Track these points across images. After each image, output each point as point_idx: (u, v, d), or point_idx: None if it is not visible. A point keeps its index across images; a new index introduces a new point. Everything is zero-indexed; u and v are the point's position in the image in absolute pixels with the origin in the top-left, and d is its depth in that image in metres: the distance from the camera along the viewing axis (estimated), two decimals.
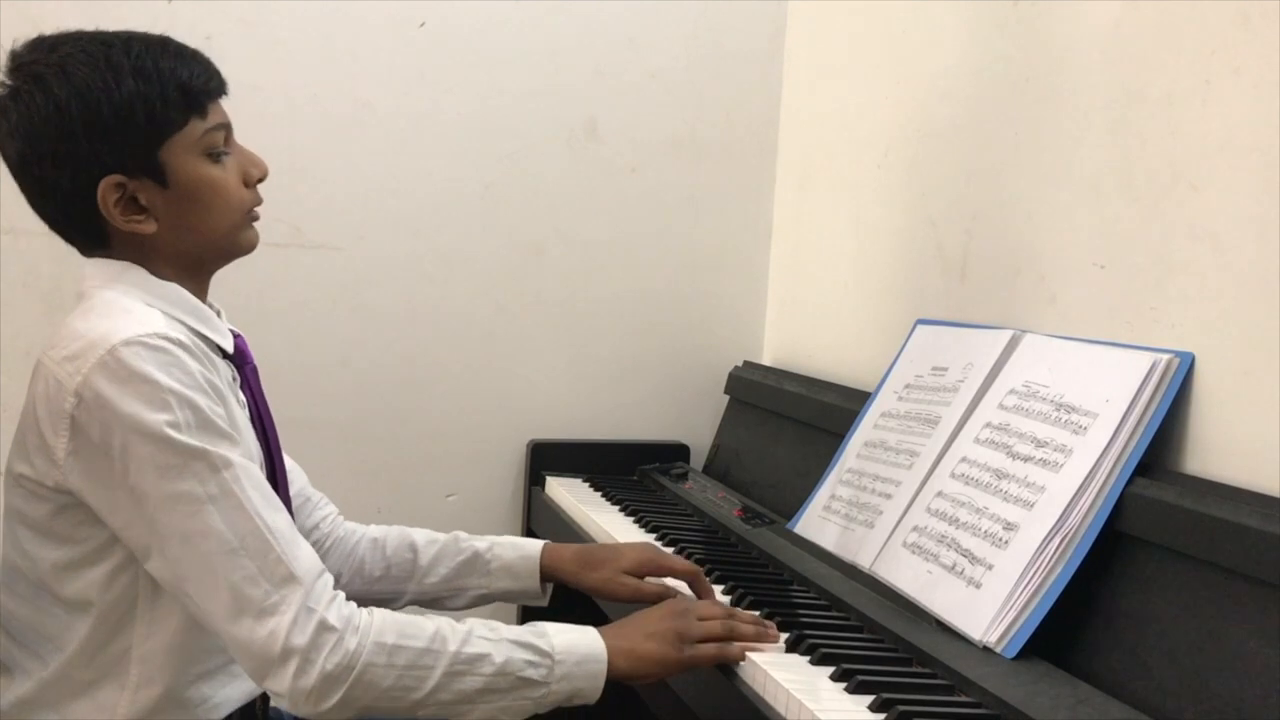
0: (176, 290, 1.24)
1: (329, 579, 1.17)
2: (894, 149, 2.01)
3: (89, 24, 2.15)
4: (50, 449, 1.15)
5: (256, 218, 1.30)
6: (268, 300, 2.16)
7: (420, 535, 1.53)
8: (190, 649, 1.22)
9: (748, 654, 1.30)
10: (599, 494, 2.14)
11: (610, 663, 1.22)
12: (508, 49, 2.27)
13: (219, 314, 1.31)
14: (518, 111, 2.29)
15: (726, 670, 1.31)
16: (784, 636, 1.35)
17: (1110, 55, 1.50)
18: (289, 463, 1.47)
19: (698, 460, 2.39)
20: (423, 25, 2.23)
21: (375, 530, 1.54)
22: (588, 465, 2.31)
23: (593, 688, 1.22)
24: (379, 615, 1.17)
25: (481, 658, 1.17)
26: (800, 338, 2.33)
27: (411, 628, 1.17)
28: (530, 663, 1.19)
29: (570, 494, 2.13)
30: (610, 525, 1.89)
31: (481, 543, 1.52)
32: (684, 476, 2.24)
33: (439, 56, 2.24)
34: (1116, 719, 1.15)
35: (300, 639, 1.11)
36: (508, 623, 1.24)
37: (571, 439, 2.36)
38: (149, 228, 1.21)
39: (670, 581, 1.47)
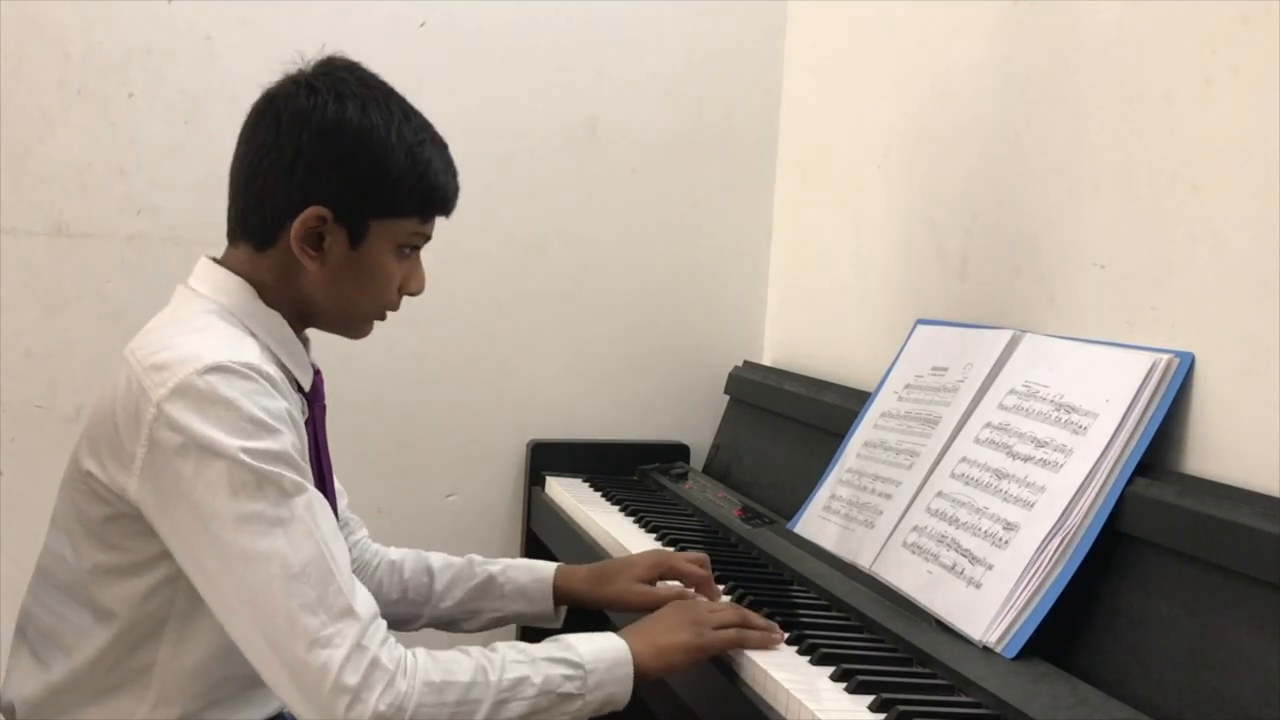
0: (279, 321, 1.26)
1: (383, 622, 1.16)
2: (894, 149, 2.01)
3: (90, 23, 2.15)
4: (128, 454, 1.15)
5: (384, 319, 1.33)
6: None
7: (436, 559, 1.54)
8: (213, 675, 1.22)
9: (747, 653, 1.30)
10: (599, 494, 2.14)
11: (638, 663, 1.24)
12: (508, 49, 2.27)
13: (307, 344, 1.32)
14: (518, 112, 2.29)
15: (727, 670, 1.31)
16: (784, 636, 1.36)
17: (1110, 55, 1.50)
18: (338, 487, 1.48)
19: (698, 460, 2.39)
20: (423, 25, 2.23)
21: (394, 553, 1.55)
22: (588, 465, 2.31)
23: (624, 691, 1.23)
24: (421, 655, 1.16)
25: (522, 681, 1.18)
26: (800, 338, 2.33)
27: (453, 664, 1.17)
28: (567, 677, 1.20)
29: (570, 494, 2.13)
30: (610, 525, 1.89)
31: (495, 566, 1.53)
32: (684, 476, 2.24)
33: (439, 56, 2.24)
34: (1116, 719, 1.15)
35: (353, 677, 1.09)
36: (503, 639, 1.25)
37: (571, 439, 2.36)
38: (313, 266, 1.24)
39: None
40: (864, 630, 1.41)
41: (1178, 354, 1.34)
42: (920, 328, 1.81)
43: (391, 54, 2.21)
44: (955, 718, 1.17)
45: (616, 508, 2.03)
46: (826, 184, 2.26)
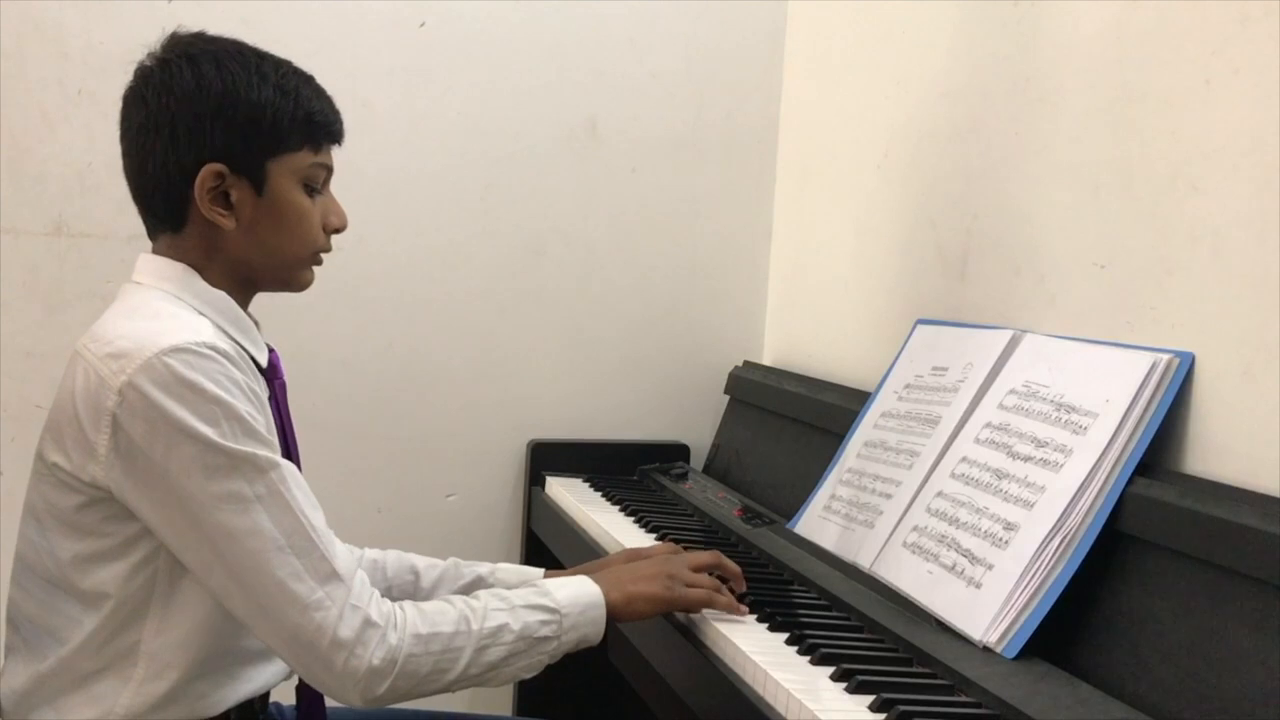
0: (225, 299, 1.27)
1: (365, 576, 1.22)
2: (894, 149, 2.01)
3: (90, 23, 2.15)
4: (91, 445, 1.16)
5: (319, 262, 1.36)
6: (267, 300, 2.15)
7: (420, 560, 1.56)
8: (198, 647, 1.23)
9: (749, 654, 1.30)
10: (599, 494, 2.14)
11: (608, 606, 1.33)
12: (508, 49, 2.27)
13: (258, 326, 1.34)
14: (518, 111, 2.29)
15: (727, 670, 1.31)
16: (783, 636, 1.36)
17: (1110, 55, 1.50)
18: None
19: (698, 460, 2.39)
20: (423, 25, 2.23)
21: (372, 552, 1.55)
22: (588, 465, 2.31)
23: (596, 632, 1.32)
24: (409, 608, 1.23)
25: (501, 628, 1.25)
26: (800, 338, 2.33)
27: (438, 615, 1.24)
28: (543, 622, 1.28)
29: (570, 494, 2.13)
30: (610, 525, 1.89)
31: (483, 567, 1.54)
32: (684, 476, 2.24)
33: (439, 56, 2.24)
34: (1116, 719, 1.15)
35: (347, 633, 1.16)
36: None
37: (571, 439, 2.36)
38: (228, 224, 1.26)
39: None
40: (864, 630, 1.41)
41: (1178, 354, 1.34)
42: (920, 328, 1.81)
43: (391, 54, 2.22)
44: (955, 718, 1.17)
45: (616, 508, 2.03)
46: (826, 184, 2.26)
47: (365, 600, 1.19)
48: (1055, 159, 1.60)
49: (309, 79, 1.31)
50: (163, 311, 1.22)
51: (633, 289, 2.39)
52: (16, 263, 2.06)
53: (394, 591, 1.53)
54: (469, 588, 1.52)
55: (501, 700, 2.36)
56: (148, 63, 1.27)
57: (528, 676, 1.30)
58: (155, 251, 1.29)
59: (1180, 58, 1.39)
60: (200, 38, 1.29)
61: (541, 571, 1.54)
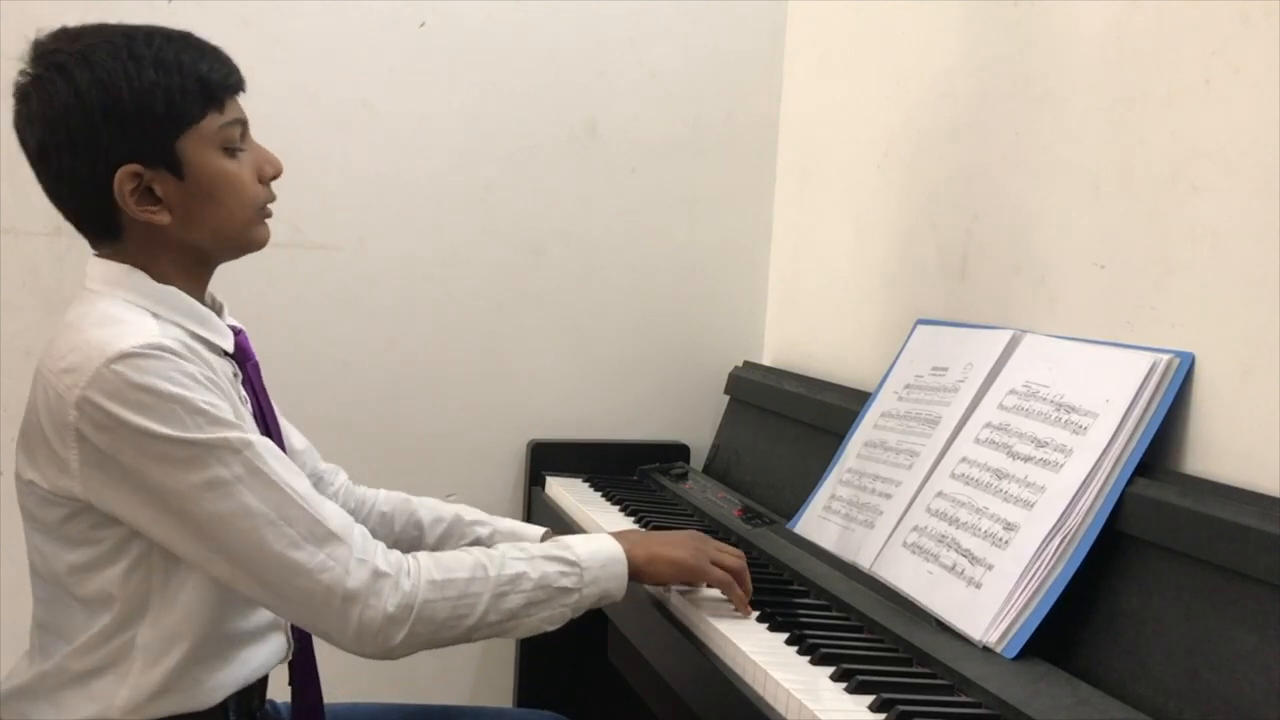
0: (174, 294, 1.25)
1: (363, 529, 1.23)
2: (894, 149, 2.01)
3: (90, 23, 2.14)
4: (62, 460, 1.16)
5: (269, 214, 1.32)
6: (267, 300, 2.16)
7: (426, 513, 1.57)
8: (191, 633, 1.23)
9: (749, 654, 1.30)
10: (599, 494, 2.14)
11: (631, 565, 1.34)
12: (508, 49, 2.27)
13: (220, 310, 1.32)
14: (518, 111, 2.29)
15: (727, 670, 1.31)
16: (783, 636, 1.36)
17: (1110, 55, 1.50)
18: (302, 443, 1.53)
19: (698, 460, 2.39)
20: (423, 25, 2.23)
21: (383, 503, 1.58)
22: (588, 465, 2.31)
23: (618, 587, 1.33)
24: (424, 557, 1.24)
25: (520, 576, 1.26)
26: (800, 338, 2.33)
27: (453, 561, 1.25)
28: (563, 573, 1.29)
29: (570, 494, 2.13)
30: (610, 525, 1.89)
31: (483, 529, 1.56)
32: (684, 476, 2.24)
33: (439, 56, 2.24)
34: (1116, 719, 1.15)
35: (356, 585, 1.18)
36: None
37: (571, 439, 2.36)
38: (163, 219, 1.23)
39: None
40: (864, 630, 1.41)
41: (1178, 354, 1.34)
42: (920, 328, 1.81)
43: (391, 54, 2.22)
44: (955, 718, 1.17)
45: (616, 508, 2.03)
46: (826, 184, 2.26)
47: (371, 552, 1.20)
48: (1055, 159, 1.60)
49: (186, 39, 1.24)
50: (109, 317, 1.19)
51: (633, 289, 2.39)
52: (16, 263, 2.06)
53: (400, 545, 1.53)
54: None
55: (501, 695, 2.36)
56: (21, 80, 1.22)
57: (551, 629, 1.30)
58: (101, 256, 1.27)
59: (1180, 58, 1.39)
60: (63, 37, 1.22)
61: (541, 531, 1.55)
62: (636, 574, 1.35)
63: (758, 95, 2.42)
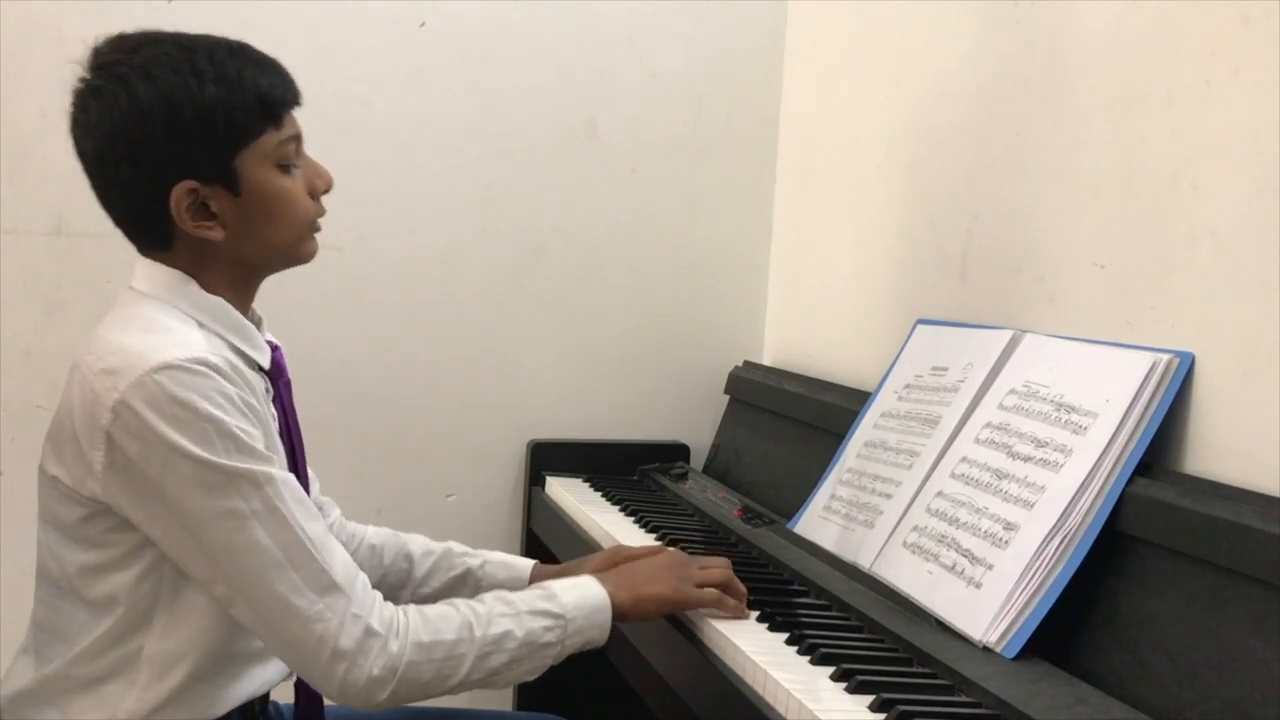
0: (223, 306, 1.25)
1: (366, 580, 1.22)
2: (894, 149, 2.01)
3: (89, 23, 2.14)
4: (88, 461, 1.16)
5: (319, 229, 1.31)
6: (267, 300, 2.14)
7: (416, 546, 1.56)
8: (202, 650, 1.23)
9: (749, 654, 1.30)
10: (599, 494, 2.14)
11: (615, 610, 1.32)
12: (508, 49, 2.27)
13: (260, 324, 1.32)
14: (518, 111, 2.29)
15: (727, 670, 1.31)
16: (783, 636, 1.36)
17: (1110, 55, 1.50)
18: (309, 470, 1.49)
19: (698, 460, 2.39)
20: (423, 25, 2.23)
21: (373, 536, 1.56)
22: (588, 465, 2.31)
23: (601, 634, 1.31)
24: (412, 614, 1.23)
25: (505, 635, 1.25)
26: (800, 338, 2.33)
27: (441, 621, 1.23)
28: (548, 628, 1.27)
29: (570, 494, 2.13)
30: (610, 525, 1.89)
31: (474, 559, 1.55)
32: (684, 476, 2.24)
33: (439, 56, 2.24)
34: (1116, 719, 1.15)
35: (348, 644, 1.17)
36: None
37: (571, 439, 2.36)
38: (217, 234, 1.22)
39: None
40: (864, 630, 1.41)
41: (1178, 354, 1.34)
42: (920, 328, 1.81)
43: (391, 54, 2.22)
44: (955, 718, 1.17)
45: (616, 508, 2.03)
46: (826, 184, 2.26)
47: (367, 608, 1.19)
48: (1055, 159, 1.60)
49: (245, 53, 1.24)
50: (155, 324, 1.19)
51: (633, 289, 2.39)
52: (16, 263, 2.05)
53: (389, 578, 1.54)
54: (459, 580, 1.53)
55: (501, 697, 2.36)
56: (81, 87, 1.21)
57: (530, 679, 1.30)
58: (149, 258, 1.26)
59: (1180, 58, 1.39)
60: (123, 47, 1.21)
61: (531, 565, 1.54)
62: (622, 617, 1.33)
63: (758, 95, 2.42)
